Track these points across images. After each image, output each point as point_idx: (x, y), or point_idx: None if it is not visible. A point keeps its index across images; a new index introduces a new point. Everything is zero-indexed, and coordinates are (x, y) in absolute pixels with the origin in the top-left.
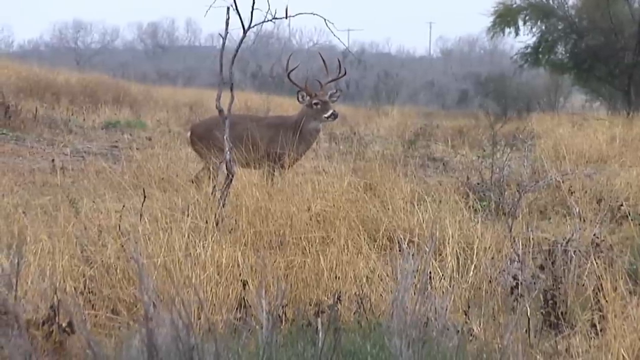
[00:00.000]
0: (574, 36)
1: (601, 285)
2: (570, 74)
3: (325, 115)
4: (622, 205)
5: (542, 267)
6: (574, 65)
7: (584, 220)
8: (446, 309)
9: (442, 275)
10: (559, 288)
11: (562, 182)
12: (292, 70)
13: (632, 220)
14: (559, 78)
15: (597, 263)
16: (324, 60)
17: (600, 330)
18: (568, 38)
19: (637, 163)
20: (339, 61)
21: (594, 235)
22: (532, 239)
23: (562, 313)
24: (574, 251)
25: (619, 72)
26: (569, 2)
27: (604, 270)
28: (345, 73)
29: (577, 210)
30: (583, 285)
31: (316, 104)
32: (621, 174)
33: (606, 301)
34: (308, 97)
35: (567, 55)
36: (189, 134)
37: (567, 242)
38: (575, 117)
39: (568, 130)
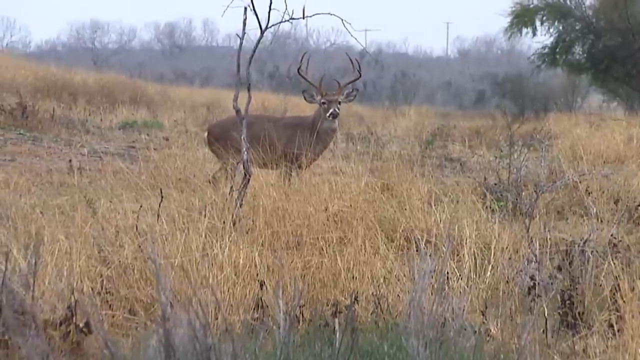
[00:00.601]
0: (592, 36)
1: (618, 285)
2: (588, 75)
3: (327, 115)
4: (639, 205)
5: (559, 268)
6: (591, 66)
7: (601, 221)
8: (463, 309)
9: (460, 275)
10: (577, 288)
11: (580, 182)
12: (301, 67)
13: None
14: (576, 78)
15: (614, 263)
16: (350, 59)
17: (618, 331)
18: (585, 38)
19: None
20: (357, 62)
21: (612, 235)
22: (550, 239)
23: (579, 313)
24: (592, 251)
25: (636, 73)
26: (587, 2)
27: (622, 271)
28: (360, 75)
29: (595, 210)
30: (600, 285)
31: (323, 103)
32: (639, 174)
33: (623, 301)
34: (319, 97)
35: (585, 55)
36: (206, 134)
37: (584, 243)
38: (592, 118)
39: (585, 130)
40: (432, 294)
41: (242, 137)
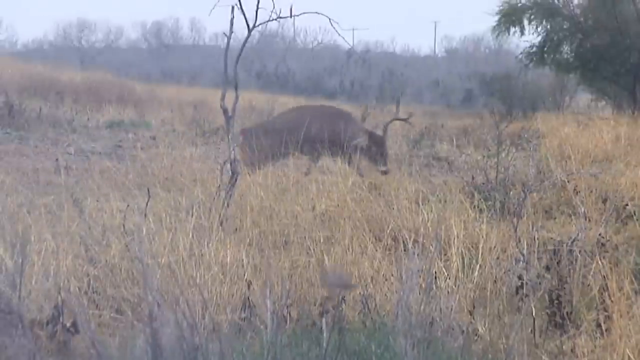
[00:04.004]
0: (580, 35)
1: (606, 285)
2: (576, 74)
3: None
4: (627, 204)
5: (547, 267)
6: (580, 65)
7: (590, 220)
8: (451, 309)
9: (447, 275)
10: (564, 288)
11: (568, 181)
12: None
13: (637, 219)
14: (565, 77)
15: (602, 263)
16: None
17: (606, 330)
18: (573, 37)
19: None
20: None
21: (600, 235)
22: (537, 238)
23: (567, 313)
24: (580, 251)
25: (625, 72)
26: (575, 1)
27: (610, 270)
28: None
29: (583, 210)
30: (588, 285)
31: None
32: (626, 173)
33: (612, 301)
34: None
35: (573, 54)
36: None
37: (572, 242)
38: (580, 117)
39: (573, 129)
40: (419, 293)
41: (228, 136)
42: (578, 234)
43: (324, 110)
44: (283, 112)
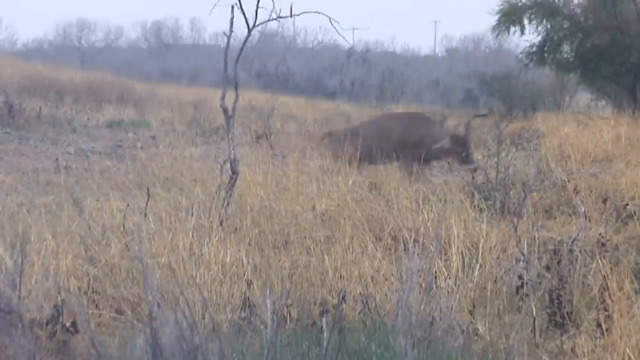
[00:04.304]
0: (580, 35)
1: (607, 284)
2: (576, 73)
3: None
4: (627, 204)
5: (547, 267)
6: (580, 64)
7: (590, 220)
8: (451, 309)
9: (447, 274)
10: (565, 287)
11: (568, 181)
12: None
13: (637, 219)
14: (565, 77)
15: (602, 262)
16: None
17: (606, 330)
18: (574, 37)
19: None
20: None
21: (600, 234)
22: (538, 238)
23: (567, 313)
24: (580, 251)
25: (625, 71)
26: (575, 0)
27: (610, 270)
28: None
29: (583, 209)
30: (589, 284)
31: None
32: (627, 173)
33: (612, 301)
34: None
35: (573, 54)
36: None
37: (572, 242)
38: (580, 116)
39: (573, 129)
40: (420, 293)
41: (229, 136)
42: (578, 234)
43: (405, 116)
44: (368, 120)
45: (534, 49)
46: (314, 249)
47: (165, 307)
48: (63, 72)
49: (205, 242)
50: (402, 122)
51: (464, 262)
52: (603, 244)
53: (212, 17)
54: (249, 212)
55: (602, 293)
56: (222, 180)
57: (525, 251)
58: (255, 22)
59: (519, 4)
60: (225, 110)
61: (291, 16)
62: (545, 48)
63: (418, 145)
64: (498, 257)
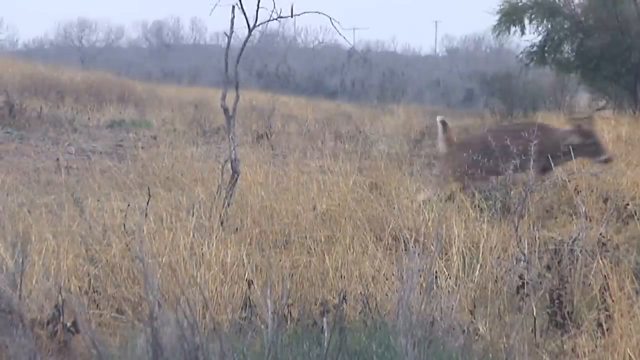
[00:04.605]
0: (580, 35)
1: (607, 284)
2: (577, 73)
3: None
4: (628, 204)
5: (548, 267)
6: (580, 64)
7: (590, 220)
8: (452, 309)
9: (448, 274)
10: (565, 287)
11: (568, 181)
12: None
13: (638, 219)
14: (565, 77)
15: (603, 262)
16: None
17: (607, 330)
18: (574, 37)
19: None
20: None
21: (600, 234)
22: (538, 238)
23: (568, 312)
24: (580, 250)
25: (626, 71)
26: (575, 0)
27: (611, 270)
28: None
29: (584, 209)
30: (589, 284)
31: None
32: (627, 173)
33: (612, 301)
34: None
35: (574, 54)
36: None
37: (573, 242)
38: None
39: None
40: (420, 293)
41: (229, 136)
42: (579, 234)
43: (520, 127)
44: (487, 132)
45: (535, 48)
46: (314, 249)
47: (166, 306)
48: (64, 72)
49: (206, 242)
50: (518, 133)
51: (464, 262)
52: (604, 244)
53: (212, 17)
54: (250, 212)
55: (603, 293)
56: (223, 180)
57: (525, 251)
58: (256, 22)
59: (520, 4)
60: (226, 110)
61: (292, 16)
62: (546, 48)
63: (543, 151)
64: (499, 257)
